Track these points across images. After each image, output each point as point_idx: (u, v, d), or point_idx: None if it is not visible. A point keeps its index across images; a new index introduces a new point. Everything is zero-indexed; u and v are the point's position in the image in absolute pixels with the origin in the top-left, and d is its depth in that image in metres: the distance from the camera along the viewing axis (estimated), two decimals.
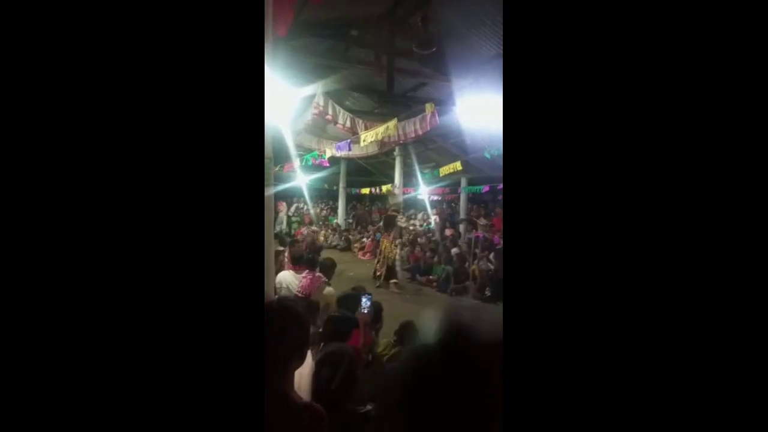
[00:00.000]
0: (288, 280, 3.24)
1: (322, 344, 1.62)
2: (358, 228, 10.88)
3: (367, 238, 9.18)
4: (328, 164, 7.53)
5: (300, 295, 3.01)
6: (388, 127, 4.00)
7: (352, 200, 13.02)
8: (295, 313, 0.99)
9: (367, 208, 13.32)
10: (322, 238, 9.34)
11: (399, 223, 6.71)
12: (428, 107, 4.08)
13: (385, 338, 2.43)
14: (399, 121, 4.27)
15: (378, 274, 6.03)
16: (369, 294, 2.09)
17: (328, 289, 3.07)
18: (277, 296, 1.29)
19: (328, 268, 3.40)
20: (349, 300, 2.28)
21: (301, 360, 0.98)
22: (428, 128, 4.44)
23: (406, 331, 2.19)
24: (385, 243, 6.11)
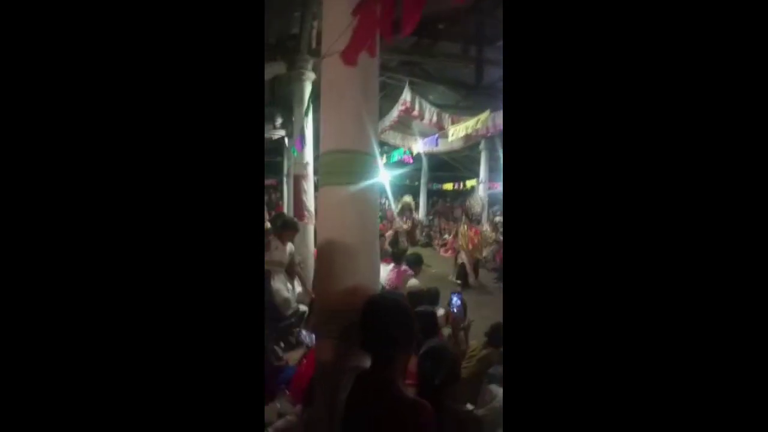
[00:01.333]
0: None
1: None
2: (440, 224, 10.76)
3: (449, 234, 9.03)
4: (411, 161, 7.57)
5: (387, 287, 3.09)
6: (479, 119, 3.86)
7: (434, 196, 12.91)
8: (401, 305, 1.00)
9: (449, 204, 13.10)
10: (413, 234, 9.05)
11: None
12: None
13: (474, 339, 2.36)
14: (491, 112, 4.10)
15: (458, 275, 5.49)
16: (459, 292, 2.04)
17: (413, 281, 3.10)
18: (381, 292, 1.33)
19: (415, 263, 3.42)
20: (422, 296, 2.26)
21: (411, 352, 1.00)
22: None
23: (498, 331, 2.10)
24: (468, 234, 5.57)
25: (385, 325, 0.96)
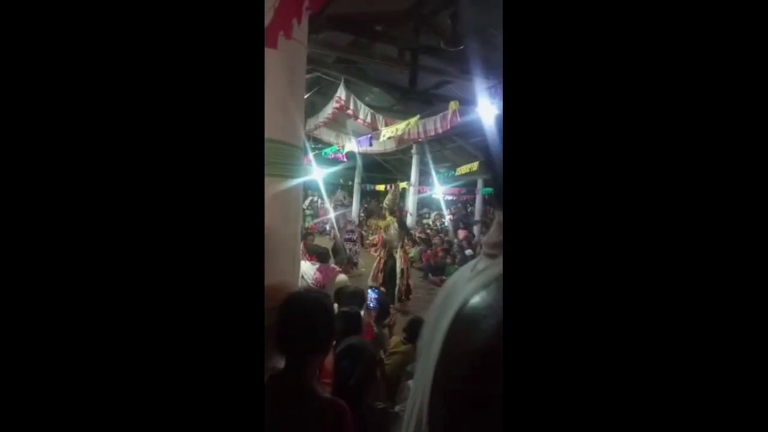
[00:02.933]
0: (305, 270, 3.26)
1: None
2: (372, 224, 10.88)
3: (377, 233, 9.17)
4: (345, 159, 7.54)
5: (314, 287, 3.02)
6: (409, 123, 3.97)
7: (366, 196, 13.03)
8: (321, 304, 0.98)
9: (380, 204, 13.31)
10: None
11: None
12: (452, 105, 4.04)
13: (395, 335, 2.42)
14: (420, 118, 4.25)
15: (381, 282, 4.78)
16: (375, 288, 2.06)
17: (341, 277, 3.08)
18: (302, 287, 1.28)
19: (339, 253, 3.40)
20: (349, 295, 2.27)
21: (326, 352, 0.98)
22: (449, 126, 4.39)
23: (415, 327, 2.16)
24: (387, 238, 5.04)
25: (304, 324, 0.92)
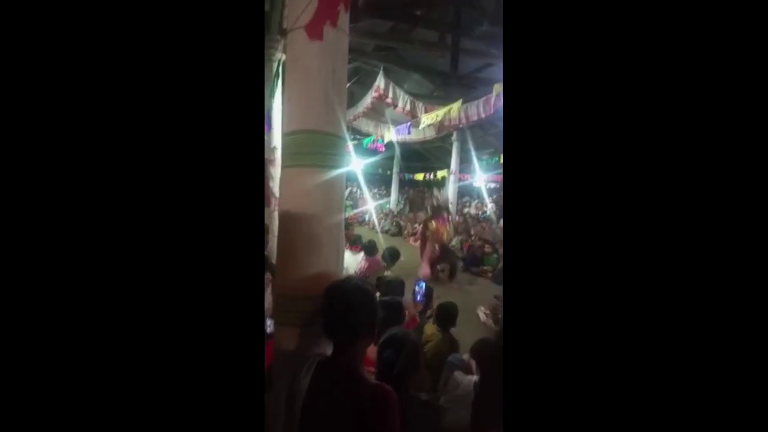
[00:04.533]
0: (346, 260, 3.32)
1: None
2: (410, 213, 10.84)
3: (419, 223, 9.12)
4: (383, 149, 7.53)
5: (358, 276, 3.07)
6: (451, 108, 3.86)
7: (406, 185, 12.98)
8: (363, 290, 0.98)
9: (420, 194, 13.21)
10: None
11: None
12: (496, 88, 3.87)
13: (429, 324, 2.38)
14: (462, 102, 4.11)
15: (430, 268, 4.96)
16: (421, 280, 2.04)
17: (387, 273, 3.10)
18: (347, 275, 1.30)
19: (391, 258, 3.40)
20: (388, 284, 2.26)
21: (371, 337, 0.98)
22: (492, 111, 4.22)
23: (445, 313, 2.06)
24: (436, 227, 5.14)
25: (346, 309, 0.93)
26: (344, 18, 1.06)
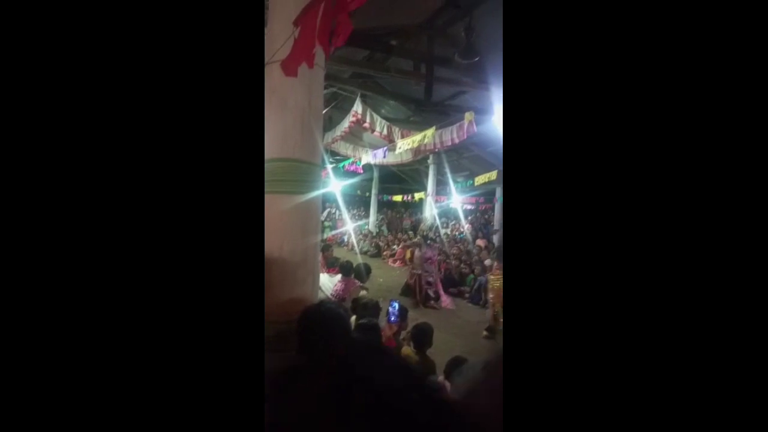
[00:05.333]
0: (323, 282, 3.30)
1: None
2: (389, 235, 10.89)
3: (398, 245, 9.16)
4: (362, 171, 7.63)
5: (333, 298, 3.05)
6: (426, 135, 4.00)
7: (384, 207, 13.07)
8: (337, 314, 1.00)
9: (398, 216, 13.32)
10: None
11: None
12: (467, 116, 4.05)
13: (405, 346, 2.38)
14: (437, 129, 4.27)
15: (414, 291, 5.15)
16: (395, 300, 2.04)
17: (363, 293, 3.10)
18: (320, 299, 1.31)
19: (362, 273, 3.43)
20: (364, 306, 2.26)
21: None
22: (465, 136, 4.40)
23: (421, 334, 2.05)
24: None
25: (321, 334, 0.95)
26: (320, 55, 1.12)
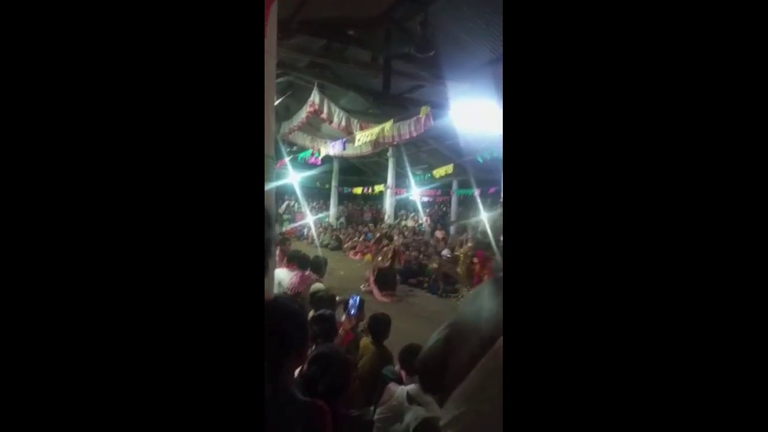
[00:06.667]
0: (281, 277, 3.22)
1: (314, 345, 1.61)
2: (349, 228, 10.85)
3: (358, 237, 9.17)
4: (320, 163, 7.51)
5: (289, 293, 3.00)
6: (384, 128, 4.01)
7: (344, 199, 12.99)
8: (294, 311, 0.99)
9: (358, 208, 13.30)
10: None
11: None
12: (423, 110, 4.11)
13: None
14: (395, 122, 4.29)
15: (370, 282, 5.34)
16: (355, 295, 2.04)
17: (317, 285, 3.06)
18: (275, 295, 1.29)
19: (320, 265, 3.39)
20: (319, 300, 2.25)
21: (302, 359, 0.99)
22: (422, 130, 4.47)
23: (378, 325, 2.07)
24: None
25: (277, 330, 0.93)
26: (272, 44, 1.08)
